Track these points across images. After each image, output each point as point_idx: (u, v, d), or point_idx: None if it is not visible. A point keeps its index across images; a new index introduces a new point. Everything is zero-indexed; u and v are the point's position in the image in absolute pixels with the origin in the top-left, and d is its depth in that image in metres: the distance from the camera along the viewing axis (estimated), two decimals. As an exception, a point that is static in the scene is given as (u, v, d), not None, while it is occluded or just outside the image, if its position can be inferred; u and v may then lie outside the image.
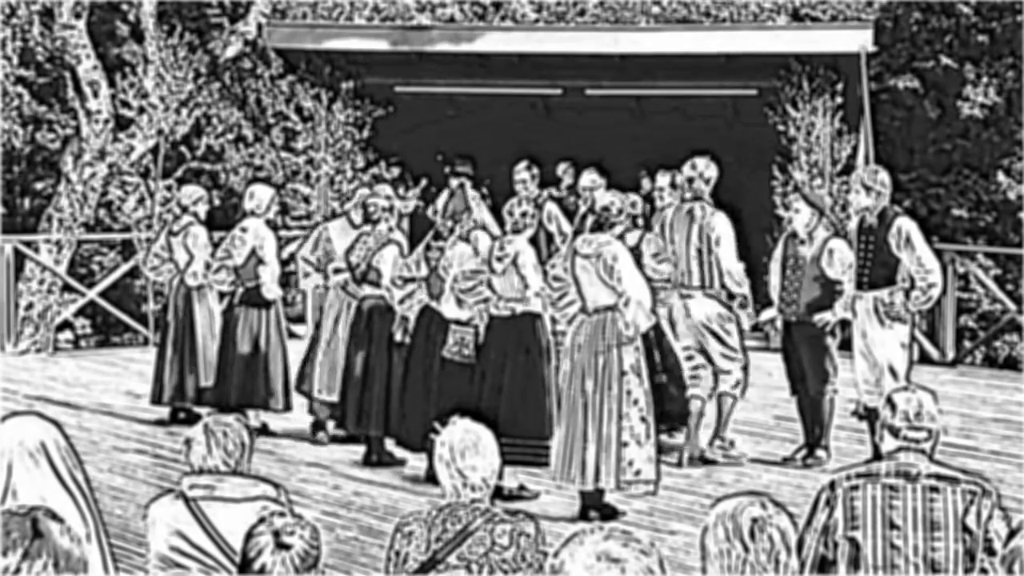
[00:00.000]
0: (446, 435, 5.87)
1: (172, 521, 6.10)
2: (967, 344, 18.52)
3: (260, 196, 13.43)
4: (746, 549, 4.48)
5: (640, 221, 12.46)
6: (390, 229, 12.49)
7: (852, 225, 11.83)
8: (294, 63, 19.78)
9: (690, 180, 12.28)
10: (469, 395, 10.93)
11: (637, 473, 10.38)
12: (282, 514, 4.92)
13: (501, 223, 12.01)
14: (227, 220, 17.24)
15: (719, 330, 12.12)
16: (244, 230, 13.24)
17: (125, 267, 19.14)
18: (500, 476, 6.21)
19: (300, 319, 18.13)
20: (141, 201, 19.37)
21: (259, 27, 20.11)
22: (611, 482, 10.37)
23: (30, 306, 18.56)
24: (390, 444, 12.06)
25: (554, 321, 11.41)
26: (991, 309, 19.22)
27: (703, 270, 12.12)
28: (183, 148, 20.05)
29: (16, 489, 5.15)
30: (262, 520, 4.80)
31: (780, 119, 18.63)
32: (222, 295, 13.42)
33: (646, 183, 17.16)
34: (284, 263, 13.60)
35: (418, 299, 11.70)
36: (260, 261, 12.99)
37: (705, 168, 12.26)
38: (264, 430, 12.82)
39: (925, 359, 16.42)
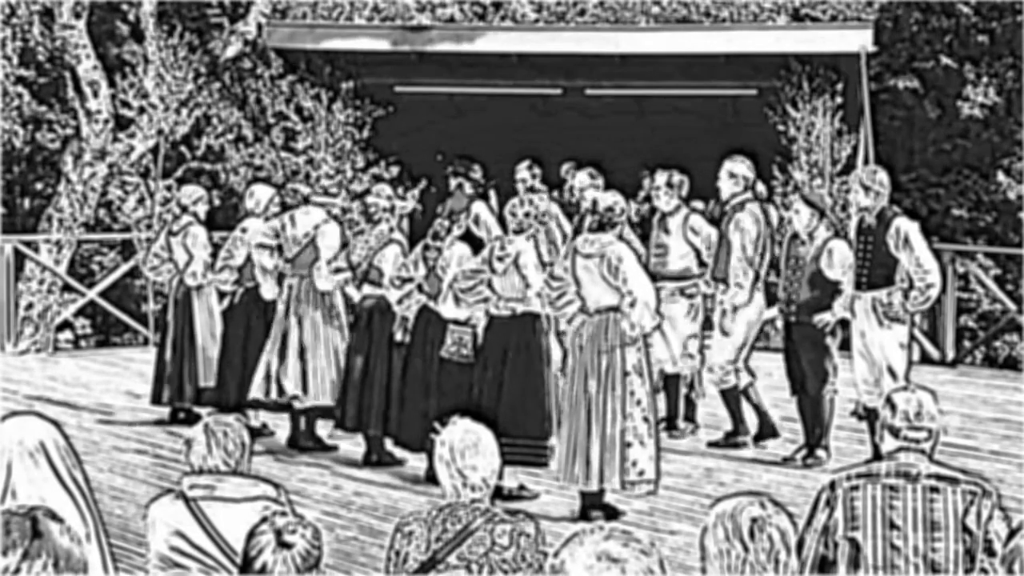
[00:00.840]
0: (446, 435, 5.87)
1: (172, 521, 6.09)
2: (967, 344, 18.52)
3: (260, 196, 13.43)
4: (746, 549, 4.48)
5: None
6: (391, 229, 12.49)
7: (852, 225, 11.85)
8: (294, 63, 19.78)
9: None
10: (468, 395, 10.94)
11: (641, 473, 10.39)
12: (283, 514, 4.92)
13: (503, 223, 12.00)
14: (227, 220, 17.25)
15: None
16: (244, 230, 13.24)
17: (125, 267, 19.14)
18: (500, 476, 6.21)
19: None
20: (141, 201, 19.37)
21: (259, 27, 20.12)
22: (615, 482, 10.37)
23: (30, 306, 18.57)
24: (389, 444, 12.06)
25: (556, 321, 11.41)
26: (991, 309, 19.24)
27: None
28: (183, 148, 20.05)
29: (16, 489, 5.15)
30: (264, 519, 4.81)
31: (780, 119, 18.64)
32: (222, 295, 13.42)
33: (647, 182, 17.16)
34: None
35: (416, 299, 11.70)
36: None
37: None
38: (264, 430, 12.82)
39: (925, 359, 16.42)
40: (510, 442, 9.71)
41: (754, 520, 4.50)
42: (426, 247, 11.83)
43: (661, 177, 13.01)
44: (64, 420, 6.86)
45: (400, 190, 17.67)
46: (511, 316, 11.02)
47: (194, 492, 6.11)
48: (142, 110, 19.25)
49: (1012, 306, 17.98)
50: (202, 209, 13.77)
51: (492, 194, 16.56)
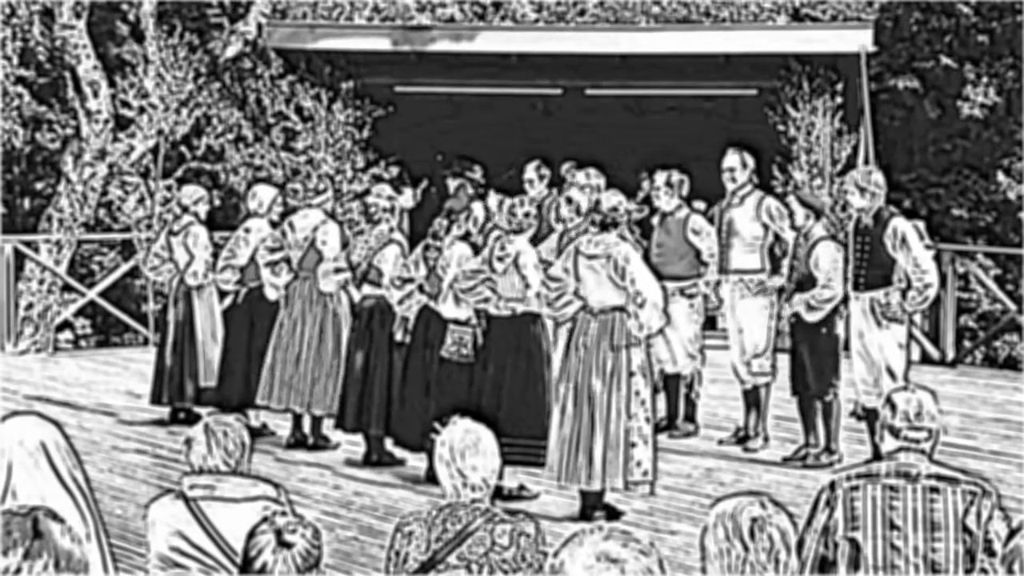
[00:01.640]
0: (446, 435, 5.87)
1: (172, 521, 6.10)
2: (967, 344, 18.53)
3: (262, 196, 13.44)
4: (746, 549, 4.48)
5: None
6: (391, 229, 12.49)
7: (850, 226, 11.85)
8: (294, 63, 19.78)
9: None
10: (468, 395, 10.94)
11: (644, 473, 10.40)
12: (283, 513, 4.92)
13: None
14: (227, 220, 17.25)
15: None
16: (247, 230, 13.25)
17: (125, 267, 19.14)
18: (500, 476, 6.21)
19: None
20: (141, 201, 19.36)
21: (259, 27, 20.11)
22: (619, 482, 10.37)
23: (30, 306, 18.56)
24: (389, 444, 12.07)
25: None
26: (991, 309, 19.24)
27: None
28: (183, 148, 20.05)
29: (16, 489, 5.15)
30: (264, 519, 4.81)
31: (780, 119, 18.63)
32: (223, 295, 13.42)
33: (646, 184, 17.15)
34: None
35: (417, 299, 11.70)
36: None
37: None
38: (264, 430, 12.82)
39: (925, 359, 16.43)
40: (510, 442, 9.70)
41: (754, 520, 4.51)
42: (426, 247, 11.84)
43: (661, 177, 13.02)
44: (64, 420, 6.85)
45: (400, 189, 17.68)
46: (511, 316, 11.02)
47: (194, 492, 6.11)
48: (142, 110, 19.24)
49: (1012, 306, 17.98)
50: (203, 209, 13.78)
51: (493, 194, 16.52)
